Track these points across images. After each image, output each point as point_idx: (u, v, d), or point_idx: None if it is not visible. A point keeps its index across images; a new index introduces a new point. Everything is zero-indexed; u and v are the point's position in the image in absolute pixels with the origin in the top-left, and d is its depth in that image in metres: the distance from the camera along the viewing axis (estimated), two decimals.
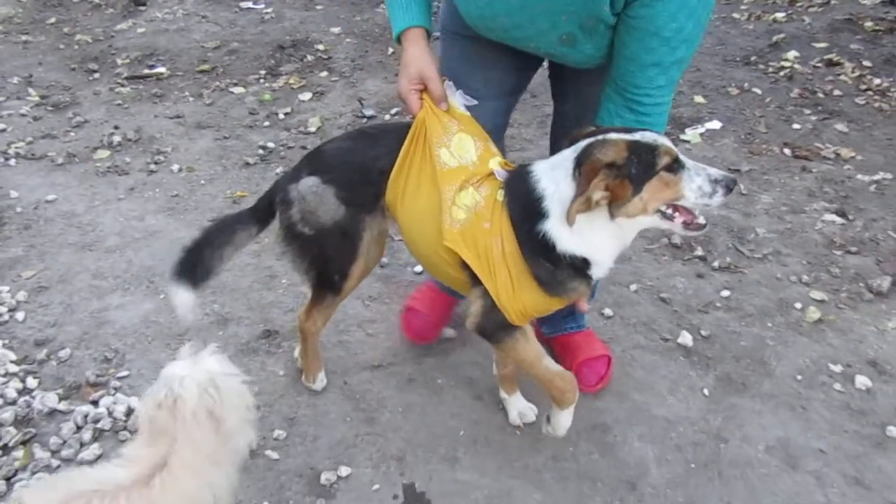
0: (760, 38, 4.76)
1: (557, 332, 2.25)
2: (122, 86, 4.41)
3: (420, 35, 1.76)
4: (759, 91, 4.10)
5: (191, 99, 4.24)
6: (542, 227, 1.55)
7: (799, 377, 2.23)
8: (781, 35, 4.70)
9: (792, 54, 4.47)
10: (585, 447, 2.01)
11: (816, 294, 2.56)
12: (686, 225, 1.55)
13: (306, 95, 4.23)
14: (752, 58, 4.51)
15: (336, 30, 5.14)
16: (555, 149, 2.00)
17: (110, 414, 2.11)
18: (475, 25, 1.76)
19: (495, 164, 1.69)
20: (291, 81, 4.41)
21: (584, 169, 1.49)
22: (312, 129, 3.84)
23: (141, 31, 5.23)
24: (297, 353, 2.23)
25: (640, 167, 1.46)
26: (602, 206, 1.50)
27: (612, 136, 1.51)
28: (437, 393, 2.19)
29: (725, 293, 2.58)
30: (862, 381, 2.19)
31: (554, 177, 1.55)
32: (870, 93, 4.09)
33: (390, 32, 4.95)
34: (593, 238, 1.55)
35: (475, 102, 1.82)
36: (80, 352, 2.37)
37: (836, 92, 4.08)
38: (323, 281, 1.90)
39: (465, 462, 1.97)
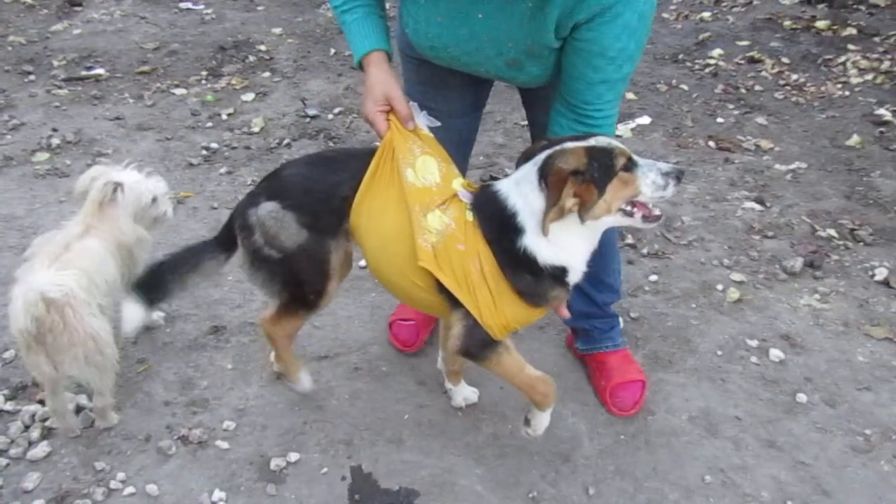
0: (688, 36, 4.99)
1: (594, 350, 2.25)
2: (60, 88, 4.35)
3: (382, 58, 1.79)
4: (686, 87, 4.31)
5: (131, 101, 4.22)
6: (521, 242, 1.59)
7: (719, 352, 2.40)
8: (707, 34, 4.93)
9: (717, 52, 4.70)
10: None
11: (736, 276, 2.75)
12: (645, 218, 1.64)
13: (249, 96, 4.26)
14: (680, 56, 4.73)
15: (277, 30, 5.17)
16: None
17: None
18: (426, 55, 1.83)
19: (458, 184, 1.72)
20: (234, 82, 4.42)
21: (550, 180, 1.54)
22: (256, 130, 3.88)
23: (77, 32, 5.16)
24: (272, 357, 2.22)
25: (600, 170, 1.54)
26: (573, 213, 1.55)
27: (570, 144, 1.58)
28: (382, 380, 2.29)
29: (654, 277, 2.74)
30: (775, 353, 2.37)
31: (521, 192, 1.60)
32: (788, 88, 4.34)
33: (332, 33, 4.99)
34: (568, 245, 1.61)
35: (438, 124, 1.86)
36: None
37: (758, 87, 4.32)
38: (297, 300, 1.87)
39: (410, 443, 2.07)
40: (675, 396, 2.23)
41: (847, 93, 4.25)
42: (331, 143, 3.74)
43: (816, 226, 3.04)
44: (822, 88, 4.32)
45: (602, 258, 1.81)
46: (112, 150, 3.67)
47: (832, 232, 3.00)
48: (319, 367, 2.33)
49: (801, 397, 2.22)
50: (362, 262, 2.79)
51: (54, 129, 3.85)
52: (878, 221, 3.07)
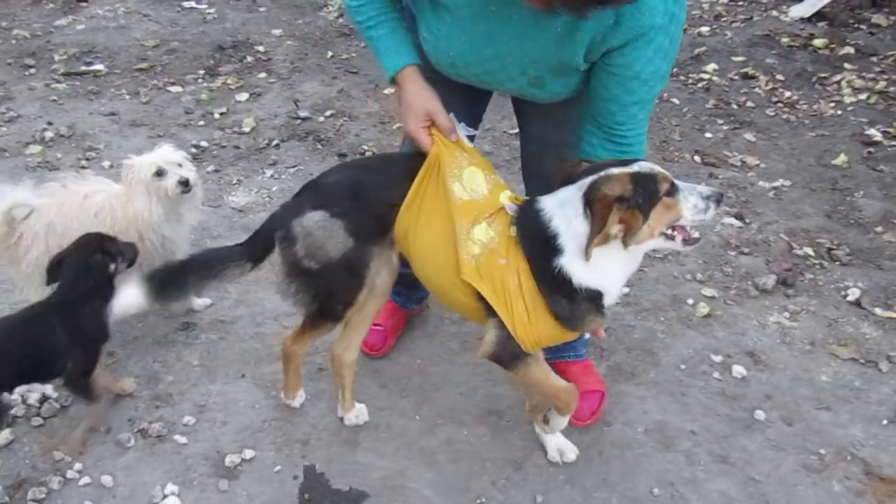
0: (684, 50, 4.99)
1: (555, 359, 2.20)
2: (59, 82, 4.42)
3: (416, 72, 1.78)
4: (677, 101, 4.32)
5: (127, 97, 4.28)
6: (558, 262, 1.61)
7: (682, 366, 2.40)
8: (703, 48, 4.94)
9: (711, 67, 4.71)
10: (479, 431, 2.15)
11: (708, 291, 2.76)
12: (685, 241, 1.65)
13: (243, 96, 4.30)
14: (674, 69, 4.73)
15: (277, 32, 5.22)
16: (527, 170, 2.12)
17: (24, 401, 2.17)
18: (444, 72, 1.81)
19: (505, 198, 1.74)
20: (229, 82, 4.47)
21: (596, 206, 1.55)
22: (247, 130, 3.92)
23: (80, 27, 5.23)
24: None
25: (645, 196, 1.55)
26: (616, 239, 1.58)
27: (614, 170, 1.59)
28: None
29: (626, 290, 2.75)
30: (738, 369, 2.37)
31: (565, 215, 1.61)
32: (780, 105, 4.34)
33: (330, 36, 5.03)
34: (606, 269, 1.62)
35: (475, 132, 1.86)
36: None
37: (749, 103, 4.33)
38: (325, 311, 1.87)
39: (366, 445, 2.09)
40: (634, 409, 2.24)
41: (839, 112, 4.25)
42: (319, 146, 3.78)
43: (794, 244, 3.05)
44: (815, 107, 4.31)
45: None
46: (103, 145, 3.73)
47: (809, 251, 3.00)
48: None
49: (760, 414, 2.22)
50: None
51: (49, 123, 3.92)
52: (856, 242, 3.07)
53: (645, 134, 1.75)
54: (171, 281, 1.85)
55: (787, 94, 4.45)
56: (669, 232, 1.64)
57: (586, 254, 1.55)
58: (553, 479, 2.01)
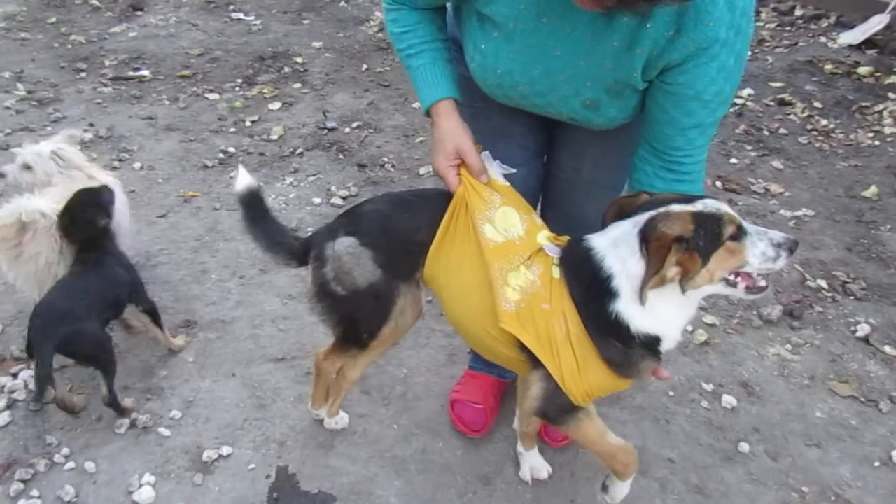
0: None
1: None
2: (105, 86, 4.63)
3: (451, 107, 1.70)
4: None
5: (167, 102, 4.46)
6: (614, 307, 1.49)
7: (671, 393, 2.36)
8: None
9: (746, 92, 4.62)
10: (453, 443, 2.16)
11: (709, 318, 2.70)
12: (748, 289, 1.52)
13: (276, 105, 4.43)
14: None
15: (317, 44, 5.36)
16: (548, 200, 2.05)
17: (26, 386, 2.29)
18: (492, 93, 1.71)
19: (544, 238, 1.63)
20: (265, 91, 4.61)
21: (653, 245, 1.43)
22: (274, 137, 4.04)
23: (133, 34, 5.48)
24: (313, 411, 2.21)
25: (706, 238, 1.43)
26: (673, 282, 1.46)
27: (675, 207, 1.46)
28: None
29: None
30: (728, 399, 2.32)
31: (619, 254, 1.49)
32: (815, 133, 4.23)
33: (368, 49, 5.14)
34: (665, 314, 1.50)
35: (514, 171, 1.77)
36: (12, 328, 2.55)
37: (782, 130, 4.23)
38: (350, 337, 1.85)
39: (340, 450, 2.13)
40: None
41: (877, 142, 4.11)
42: (341, 156, 3.86)
43: (807, 275, 2.96)
44: (851, 136, 4.19)
45: None
46: (137, 147, 3.89)
47: (822, 283, 2.91)
48: (274, 369, 2.42)
49: (744, 447, 2.17)
50: None
51: (91, 124, 4.11)
52: (874, 277, 2.97)
53: (704, 163, 1.62)
54: (261, 209, 1.88)
55: (824, 122, 4.33)
56: (732, 278, 1.50)
57: (640, 297, 1.43)
58: (520, 497, 2.00)
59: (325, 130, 4.13)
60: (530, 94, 1.63)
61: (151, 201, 3.39)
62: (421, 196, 1.86)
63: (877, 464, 2.13)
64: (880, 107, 4.47)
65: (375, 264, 1.70)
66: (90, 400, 2.24)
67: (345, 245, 1.72)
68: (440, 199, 1.71)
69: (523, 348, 1.55)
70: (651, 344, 1.53)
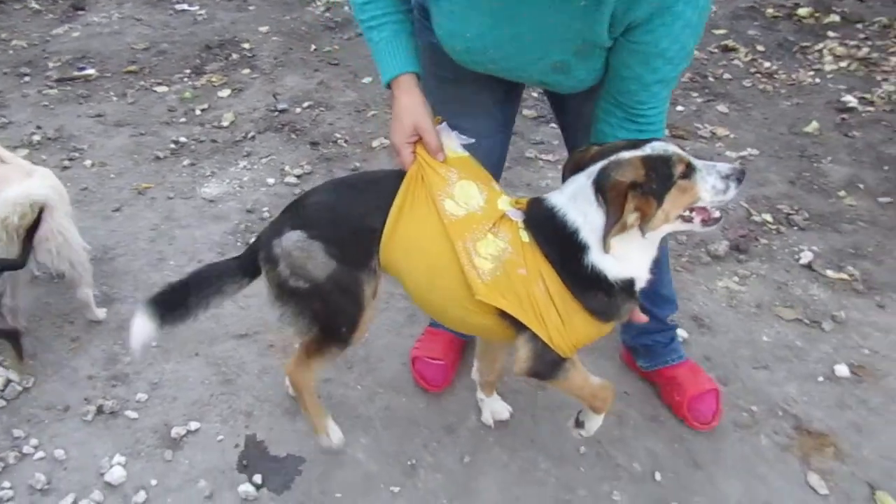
0: None
1: (660, 366, 2.18)
2: (51, 88, 4.58)
3: (412, 82, 1.68)
4: None
5: (115, 98, 4.42)
6: (588, 260, 1.52)
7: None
8: None
9: None
10: (416, 398, 2.21)
11: None
12: (704, 222, 1.57)
13: (225, 92, 4.42)
14: None
15: (264, 29, 5.33)
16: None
17: None
18: (461, 60, 1.69)
19: (505, 204, 1.64)
20: (214, 80, 4.59)
21: (610, 195, 1.46)
22: (225, 124, 4.03)
23: (76, 35, 5.40)
24: (287, 384, 2.18)
25: (659, 181, 1.46)
26: (634, 227, 1.50)
27: (625, 154, 1.49)
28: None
29: None
30: (680, 332, 2.40)
31: (579, 207, 1.52)
32: (758, 75, 4.32)
33: (316, 30, 5.13)
34: (633, 257, 1.55)
35: (472, 141, 1.75)
36: None
37: (727, 76, 4.31)
38: (329, 335, 1.78)
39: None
40: None
41: (818, 80, 4.21)
42: (293, 136, 3.87)
43: (753, 211, 3.05)
44: (794, 76, 4.28)
45: (657, 269, 1.68)
46: (87, 145, 3.86)
47: (767, 217, 3.00)
48: (237, 345, 2.46)
49: None
50: None
51: (38, 127, 4.07)
52: (816, 207, 3.07)
53: (665, 112, 1.66)
54: (175, 302, 1.78)
55: (767, 64, 4.42)
56: (687, 214, 1.55)
57: (604, 245, 1.48)
58: (483, 441, 2.07)
59: (277, 112, 4.13)
60: (499, 59, 1.62)
61: (105, 196, 3.38)
62: (367, 179, 1.84)
63: (821, 379, 2.23)
64: (820, 45, 4.57)
65: (328, 255, 1.66)
66: (48, 391, 2.26)
67: (293, 240, 1.66)
68: (388, 181, 1.68)
69: (504, 315, 1.57)
70: (628, 287, 1.58)
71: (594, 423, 1.81)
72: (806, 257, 2.74)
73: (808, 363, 2.29)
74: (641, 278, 1.59)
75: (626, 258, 1.54)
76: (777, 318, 2.48)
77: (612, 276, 1.54)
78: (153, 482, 1.98)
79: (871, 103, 3.89)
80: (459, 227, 1.58)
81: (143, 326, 1.74)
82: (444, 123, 1.73)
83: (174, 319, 1.78)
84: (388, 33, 1.68)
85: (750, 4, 5.17)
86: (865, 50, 4.46)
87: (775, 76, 4.30)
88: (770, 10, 5.05)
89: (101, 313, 2.56)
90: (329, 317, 1.74)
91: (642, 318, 1.72)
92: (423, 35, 1.76)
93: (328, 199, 1.73)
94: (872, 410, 2.11)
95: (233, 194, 3.38)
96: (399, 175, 1.68)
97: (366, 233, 1.66)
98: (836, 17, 4.88)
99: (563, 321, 1.55)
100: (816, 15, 4.93)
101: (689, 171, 1.50)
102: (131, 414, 2.19)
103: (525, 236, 1.58)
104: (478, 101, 1.86)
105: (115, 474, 1.98)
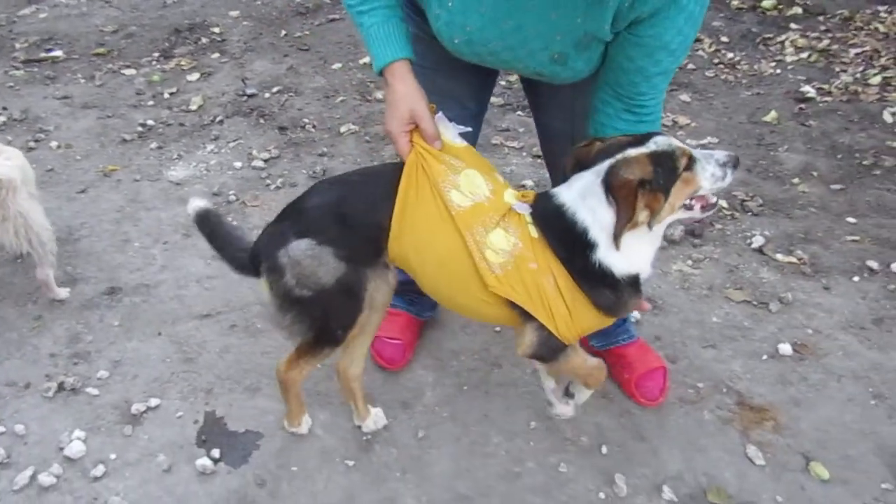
0: None
1: (611, 345, 2.24)
2: (17, 69, 4.54)
3: (406, 69, 1.66)
4: None
5: (82, 81, 4.40)
6: (596, 257, 1.57)
7: None
8: None
9: None
10: (375, 376, 2.26)
11: None
12: (703, 208, 1.63)
13: (194, 76, 4.41)
14: None
15: (234, 13, 5.32)
16: (550, 164, 2.10)
17: None
18: (457, 50, 1.68)
19: (511, 197, 1.65)
20: (182, 63, 4.59)
21: (619, 193, 1.50)
22: (193, 108, 4.03)
23: (43, 16, 5.35)
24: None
25: (665, 176, 1.51)
26: (644, 223, 1.54)
27: (632, 152, 1.53)
28: (255, 336, 2.44)
29: None
30: (633, 314, 2.47)
31: (588, 206, 1.56)
32: (721, 66, 4.41)
33: (287, 15, 5.12)
34: (639, 252, 1.59)
35: (469, 129, 1.76)
36: None
37: (690, 66, 4.39)
38: (324, 337, 1.79)
39: (266, 391, 2.22)
40: None
41: (779, 71, 4.31)
42: (261, 121, 3.89)
43: None
44: (755, 66, 4.38)
45: None
46: (53, 126, 3.85)
47: (723, 203, 3.08)
48: (200, 325, 2.49)
49: None
50: None
51: (4, 108, 4.04)
52: (770, 193, 3.16)
53: (663, 102, 1.69)
54: (217, 227, 1.87)
55: (730, 55, 4.51)
56: (689, 202, 1.60)
57: (616, 243, 1.52)
58: (437, 417, 2.13)
59: (245, 97, 4.14)
60: (499, 50, 1.62)
61: (70, 178, 3.39)
62: (366, 174, 1.80)
63: (765, 357, 2.31)
64: (783, 37, 4.67)
65: (338, 259, 1.65)
66: (10, 369, 2.29)
67: (301, 249, 1.65)
68: (388, 173, 1.67)
69: (514, 306, 1.61)
70: (634, 282, 1.63)
71: (584, 395, 1.90)
72: (758, 242, 2.83)
73: (753, 342, 2.37)
74: (646, 271, 1.65)
75: (632, 253, 1.58)
76: (727, 300, 2.56)
77: (619, 272, 1.59)
78: (112, 456, 2.01)
79: (829, 93, 3.99)
80: (468, 218, 1.59)
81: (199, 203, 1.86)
82: (441, 113, 1.72)
83: (209, 226, 1.86)
84: (380, 18, 1.66)
85: None
86: (826, 42, 4.57)
87: (737, 66, 4.39)
88: (735, 2, 5.14)
89: (63, 293, 2.57)
90: (328, 321, 1.75)
91: (646, 306, 1.78)
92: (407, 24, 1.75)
93: (329, 199, 1.70)
94: (812, 386, 2.20)
95: (199, 177, 3.39)
96: (398, 167, 1.67)
97: (374, 229, 1.65)
98: (798, 10, 4.98)
99: (570, 314, 1.61)
100: (780, 7, 5.03)
101: (691, 162, 1.55)
102: (92, 391, 2.22)
103: (534, 231, 1.61)
104: (452, 90, 1.85)
105: (75, 448, 2.01)
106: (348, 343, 1.85)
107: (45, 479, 1.93)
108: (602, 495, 1.90)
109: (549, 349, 1.69)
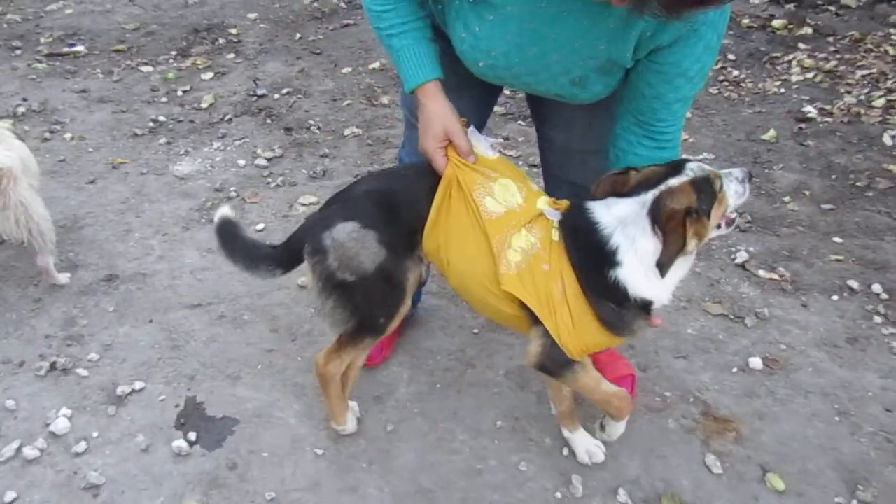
0: None
1: None
2: (40, 62, 4.70)
3: (437, 88, 1.72)
4: None
5: (101, 75, 4.55)
6: (614, 273, 1.59)
7: None
8: None
9: None
10: None
11: None
12: (727, 224, 1.71)
13: (208, 75, 4.54)
14: None
15: (253, 15, 5.45)
16: (549, 173, 2.13)
17: None
18: (481, 73, 1.74)
19: (544, 203, 1.70)
20: (198, 62, 4.71)
21: (669, 225, 1.53)
22: (204, 106, 4.15)
23: (69, 12, 5.53)
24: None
25: (706, 200, 1.57)
26: (694, 251, 1.58)
27: (674, 182, 1.57)
28: (242, 326, 2.53)
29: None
30: None
31: (627, 233, 1.58)
32: (725, 83, 4.44)
33: (303, 19, 5.24)
34: (669, 278, 1.60)
35: (501, 141, 1.89)
36: None
37: None
38: (366, 325, 1.83)
39: (246, 380, 2.30)
40: (501, 354, 2.41)
41: (783, 90, 4.33)
42: (268, 121, 3.99)
43: None
44: (760, 85, 4.40)
45: None
46: (69, 119, 3.99)
47: None
48: (189, 314, 2.58)
49: None
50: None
51: (24, 99, 4.19)
52: (760, 210, 3.19)
53: (681, 129, 1.73)
54: (234, 236, 1.87)
55: (735, 73, 4.54)
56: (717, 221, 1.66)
57: (662, 272, 1.55)
58: (408, 412, 2.20)
59: (256, 97, 4.25)
60: (523, 74, 1.67)
61: (81, 169, 3.51)
62: (417, 171, 1.84)
63: (735, 370, 2.35)
64: (790, 57, 4.68)
65: (381, 245, 1.71)
66: (6, 348, 2.39)
67: (346, 231, 1.70)
68: (432, 170, 1.74)
69: (524, 306, 1.64)
70: (645, 306, 1.64)
71: (614, 428, 1.93)
72: (741, 257, 2.86)
73: (725, 355, 2.41)
74: (662, 300, 1.65)
75: (658, 281, 1.59)
76: (704, 313, 2.60)
77: (633, 292, 1.60)
78: (94, 434, 2.11)
79: (830, 114, 4.01)
80: (498, 224, 1.65)
81: (225, 210, 1.87)
82: (472, 127, 1.78)
83: (229, 244, 1.87)
84: (411, 41, 1.71)
85: None
86: (833, 63, 4.58)
87: (742, 84, 4.42)
88: (745, 21, 5.16)
89: (63, 278, 2.68)
90: (370, 308, 1.79)
91: (658, 321, 1.74)
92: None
93: (378, 186, 1.78)
94: (778, 400, 2.24)
95: (203, 173, 3.50)
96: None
97: (416, 220, 1.72)
98: (808, 30, 4.99)
99: (573, 322, 1.62)
100: (790, 27, 5.04)
101: (721, 183, 1.62)
102: (82, 372, 2.32)
103: (556, 235, 1.65)
104: (458, 106, 1.86)
105: (60, 425, 2.11)
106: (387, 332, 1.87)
107: (30, 452, 2.03)
108: (559, 495, 1.95)
109: (553, 360, 1.69)
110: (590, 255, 1.61)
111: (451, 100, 1.79)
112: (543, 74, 1.65)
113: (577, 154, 1.99)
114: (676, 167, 1.59)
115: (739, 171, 1.66)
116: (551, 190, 2.07)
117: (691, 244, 1.55)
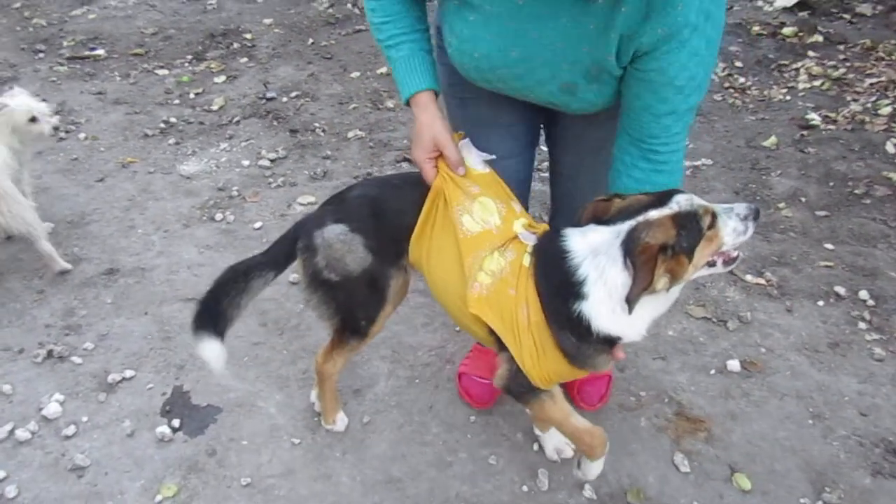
0: None
1: None
2: (62, 65, 4.87)
3: (430, 99, 1.73)
4: None
5: (118, 78, 4.69)
6: (578, 306, 1.52)
7: None
8: None
9: None
10: None
11: None
12: (725, 263, 1.56)
13: (221, 78, 4.66)
14: None
15: (268, 21, 5.57)
16: (556, 195, 2.11)
17: None
18: (470, 77, 1.73)
19: (519, 226, 1.68)
20: (212, 66, 4.84)
21: (640, 259, 1.43)
22: (215, 108, 4.27)
23: (92, 17, 5.70)
24: (313, 396, 2.22)
25: (689, 238, 1.44)
26: (663, 290, 1.48)
27: (654, 214, 1.46)
28: None
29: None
30: None
31: (597, 263, 1.49)
32: (731, 90, 4.44)
33: (317, 24, 5.34)
34: (638, 316, 1.51)
35: (493, 157, 1.80)
36: None
37: None
38: (348, 326, 1.87)
39: (231, 371, 2.38)
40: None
41: (789, 97, 4.32)
42: (275, 123, 4.09)
43: None
44: (766, 92, 4.39)
45: None
46: (84, 119, 4.13)
47: None
48: (183, 307, 2.67)
49: None
50: (257, 224, 3.12)
51: (43, 100, 4.31)
52: None
53: (683, 151, 1.64)
54: (214, 316, 1.81)
55: (742, 80, 4.54)
56: (711, 259, 1.53)
57: (628, 307, 1.45)
58: (385, 405, 2.26)
59: (265, 100, 4.36)
60: (508, 78, 1.65)
61: (92, 167, 3.64)
62: (406, 180, 1.86)
63: (712, 372, 2.37)
64: (798, 64, 4.67)
65: (367, 250, 1.75)
66: (6, 336, 2.50)
67: (335, 232, 1.74)
68: (424, 183, 1.74)
69: (492, 330, 1.63)
70: (608, 341, 1.57)
71: (589, 468, 1.84)
72: None
73: (704, 357, 2.43)
74: (631, 336, 1.57)
75: (622, 317, 1.50)
76: (687, 315, 2.62)
77: (596, 327, 1.53)
78: (84, 419, 2.20)
79: (834, 122, 3.99)
80: (472, 243, 1.64)
81: (213, 350, 1.79)
82: (467, 139, 1.79)
83: (223, 330, 1.81)
84: (407, 52, 1.73)
85: (737, 21, 5.28)
86: (842, 70, 4.55)
87: (747, 91, 4.41)
88: (756, 28, 5.15)
89: (63, 265, 2.79)
90: (352, 309, 1.83)
91: (620, 355, 1.65)
92: (441, 55, 1.81)
93: (370, 193, 1.81)
94: (752, 402, 2.25)
95: (208, 173, 3.60)
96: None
97: (402, 230, 1.74)
98: (819, 38, 4.97)
99: (537, 351, 1.59)
100: (801, 34, 5.02)
101: (714, 219, 1.49)
102: (77, 360, 2.42)
103: (527, 261, 1.61)
104: (498, 120, 1.87)
105: (52, 409, 2.21)
106: (372, 337, 1.92)
107: (22, 434, 2.13)
108: (525, 488, 1.99)
109: (519, 385, 1.67)
110: (556, 285, 1.55)
111: (487, 112, 1.80)
112: (530, 79, 1.63)
113: (588, 185, 1.93)
114: (662, 198, 1.48)
115: (744, 207, 1.51)
116: (555, 208, 2.06)
117: (660, 282, 1.45)
